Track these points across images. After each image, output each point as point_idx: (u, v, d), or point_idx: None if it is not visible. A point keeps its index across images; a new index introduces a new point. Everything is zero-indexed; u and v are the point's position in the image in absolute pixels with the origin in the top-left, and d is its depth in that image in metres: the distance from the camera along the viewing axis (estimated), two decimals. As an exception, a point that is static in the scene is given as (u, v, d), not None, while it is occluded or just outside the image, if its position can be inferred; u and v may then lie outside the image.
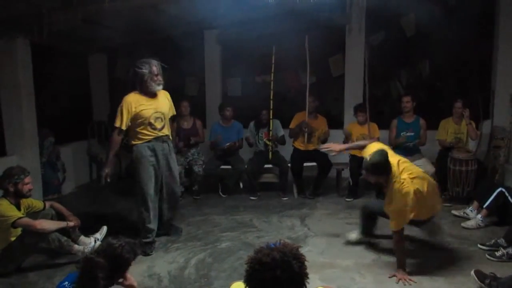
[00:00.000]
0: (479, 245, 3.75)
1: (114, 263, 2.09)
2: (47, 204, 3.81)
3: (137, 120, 3.77)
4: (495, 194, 4.19)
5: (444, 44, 6.31)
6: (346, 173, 5.71)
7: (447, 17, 5.97)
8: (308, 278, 1.55)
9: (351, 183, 5.48)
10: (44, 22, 4.27)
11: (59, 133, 5.98)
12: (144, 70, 3.70)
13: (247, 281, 1.52)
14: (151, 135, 3.82)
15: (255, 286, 1.51)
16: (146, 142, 3.82)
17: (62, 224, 3.55)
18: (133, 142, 3.85)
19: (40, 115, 5.36)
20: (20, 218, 3.37)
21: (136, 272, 3.39)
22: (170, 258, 3.70)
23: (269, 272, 1.47)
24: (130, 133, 3.88)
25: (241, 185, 5.98)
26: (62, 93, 6.30)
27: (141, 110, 3.74)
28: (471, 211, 4.50)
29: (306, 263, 1.57)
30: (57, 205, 3.82)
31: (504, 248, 3.55)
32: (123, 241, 2.22)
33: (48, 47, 5.70)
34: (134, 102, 3.75)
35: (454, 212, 4.67)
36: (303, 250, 3.68)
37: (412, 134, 5.38)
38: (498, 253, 3.52)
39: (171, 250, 3.88)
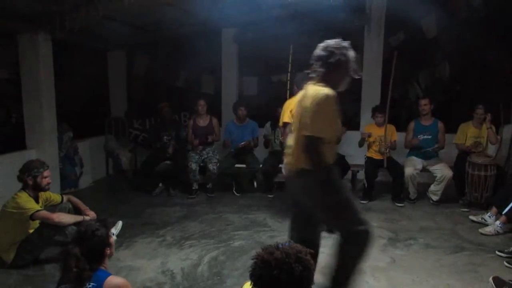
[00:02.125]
0: (497, 252, 3.67)
1: (89, 245, 2.12)
2: (65, 197, 3.86)
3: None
4: None
5: (465, 47, 6.19)
6: (361, 175, 5.66)
7: (469, 19, 5.85)
8: (313, 283, 1.54)
9: (366, 185, 5.40)
10: (66, 19, 4.33)
11: (77, 128, 6.08)
12: (350, 57, 2.49)
13: (250, 276, 1.54)
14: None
15: (256, 282, 1.53)
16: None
17: (79, 217, 3.59)
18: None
19: (60, 110, 5.44)
20: (39, 210, 3.42)
21: (149, 268, 3.44)
22: (183, 255, 3.71)
23: (268, 270, 1.49)
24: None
25: (255, 184, 5.98)
26: (81, 89, 6.39)
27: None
28: (490, 217, 4.40)
29: (313, 267, 1.56)
30: (74, 199, 3.87)
31: None
32: (90, 223, 2.28)
33: (68, 43, 5.79)
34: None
35: (471, 217, 4.58)
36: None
37: (430, 137, 5.29)
38: None
39: (185, 247, 3.89)
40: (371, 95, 6.35)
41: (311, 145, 2.38)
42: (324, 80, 2.48)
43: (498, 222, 4.18)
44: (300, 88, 4.41)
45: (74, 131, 5.94)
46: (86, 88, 6.53)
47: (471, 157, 5.00)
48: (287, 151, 2.68)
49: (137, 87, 7.75)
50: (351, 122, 6.48)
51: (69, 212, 3.71)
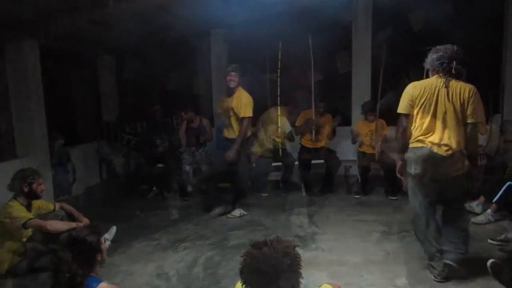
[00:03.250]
0: (489, 240, 3.71)
1: (81, 250, 2.12)
2: (57, 205, 3.82)
3: None
4: (504, 188, 4.14)
5: (453, 38, 6.22)
6: (354, 170, 5.69)
7: (456, 10, 5.90)
8: (301, 276, 1.58)
9: (359, 180, 5.45)
10: (51, 25, 4.32)
11: (69, 134, 6.05)
12: None
13: (240, 273, 1.58)
14: None
15: (245, 279, 1.55)
16: None
17: (72, 224, 3.55)
18: None
19: (50, 117, 5.41)
20: (31, 219, 3.40)
21: (145, 272, 3.44)
22: (178, 257, 3.72)
23: (256, 265, 1.51)
24: None
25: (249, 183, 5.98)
26: (71, 95, 6.37)
27: None
28: (477, 205, 4.43)
29: (303, 261, 1.59)
30: (67, 206, 3.84)
31: None
32: (81, 228, 2.27)
33: (56, 49, 5.76)
34: None
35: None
36: (311, 248, 3.74)
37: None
38: (508, 248, 3.47)
39: (180, 249, 3.90)
40: (361, 91, 6.37)
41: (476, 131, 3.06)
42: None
43: (489, 211, 4.22)
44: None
45: (65, 137, 5.90)
46: (76, 94, 6.51)
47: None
48: (439, 135, 2.96)
49: (128, 91, 7.74)
50: (342, 118, 6.50)
51: (62, 219, 3.69)
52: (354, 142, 5.59)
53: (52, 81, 5.63)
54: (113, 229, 3.99)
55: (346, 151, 5.92)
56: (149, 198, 5.68)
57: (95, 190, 6.53)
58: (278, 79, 5.60)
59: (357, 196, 5.37)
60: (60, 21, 4.55)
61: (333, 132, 5.74)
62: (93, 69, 7.34)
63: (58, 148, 5.73)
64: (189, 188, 5.65)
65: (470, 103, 2.91)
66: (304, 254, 3.66)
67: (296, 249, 1.61)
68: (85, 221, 3.69)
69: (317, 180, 5.70)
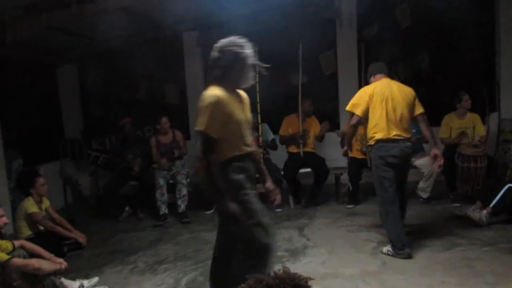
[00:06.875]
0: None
1: None
2: (16, 243, 3.44)
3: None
4: (503, 191, 4.33)
5: (443, 34, 6.49)
6: (345, 178, 5.81)
7: (445, 4, 6.17)
8: None
9: (350, 189, 5.57)
10: (7, 31, 4.36)
11: (28, 154, 6.02)
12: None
13: None
14: None
15: None
16: None
17: (55, 265, 3.33)
18: None
19: (6, 135, 5.38)
20: (11, 258, 3.06)
21: (121, 297, 3.46)
22: (158, 280, 3.75)
23: None
24: None
25: None
26: (29, 110, 6.35)
27: None
28: (473, 210, 4.58)
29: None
30: (29, 244, 3.50)
31: None
32: None
33: (11, 59, 5.77)
34: None
35: (457, 213, 4.79)
36: (302, 261, 3.82)
37: (414, 131, 5.48)
38: None
39: (159, 271, 3.93)
40: (348, 91, 6.51)
41: None
42: None
43: (484, 212, 4.39)
44: None
45: (24, 157, 5.88)
46: (34, 108, 6.49)
47: (460, 148, 5.19)
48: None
49: (93, 104, 7.76)
50: (330, 122, 6.66)
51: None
52: (343, 145, 5.71)
53: (7, 95, 5.62)
54: (95, 279, 3.80)
55: (336, 158, 6.05)
56: (122, 220, 5.68)
57: (60, 214, 6.46)
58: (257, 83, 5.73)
59: (349, 206, 5.49)
60: (16, 26, 4.59)
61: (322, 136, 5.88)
62: (53, 80, 7.33)
63: (16, 169, 5.71)
64: (163, 210, 5.52)
65: None
66: (295, 268, 3.75)
67: (309, 283, 1.39)
68: (59, 260, 3.45)
69: (305, 190, 5.81)
